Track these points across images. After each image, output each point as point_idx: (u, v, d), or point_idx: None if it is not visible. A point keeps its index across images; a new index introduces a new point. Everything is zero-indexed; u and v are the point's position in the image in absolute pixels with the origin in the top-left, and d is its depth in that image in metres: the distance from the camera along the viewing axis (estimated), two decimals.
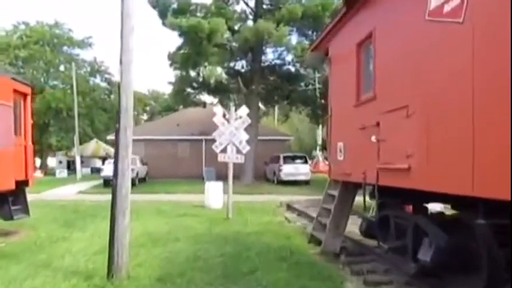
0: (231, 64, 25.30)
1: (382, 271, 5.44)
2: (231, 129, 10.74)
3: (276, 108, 40.85)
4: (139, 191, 17.79)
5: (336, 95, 6.88)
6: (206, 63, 24.09)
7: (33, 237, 7.83)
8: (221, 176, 16.83)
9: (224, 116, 11.05)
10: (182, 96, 27.08)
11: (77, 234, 8.27)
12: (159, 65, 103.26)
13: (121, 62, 5.15)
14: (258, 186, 21.26)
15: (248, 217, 10.62)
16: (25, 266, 5.73)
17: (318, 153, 37.57)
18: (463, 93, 3.30)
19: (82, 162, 32.89)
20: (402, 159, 4.19)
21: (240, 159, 11.07)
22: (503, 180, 2.78)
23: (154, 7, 22.39)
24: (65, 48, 40.09)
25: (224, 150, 10.94)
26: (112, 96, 41.22)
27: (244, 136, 11.00)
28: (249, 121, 11.18)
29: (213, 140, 11.04)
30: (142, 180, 24.59)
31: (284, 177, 22.79)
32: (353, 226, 7.25)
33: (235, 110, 11.13)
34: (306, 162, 24.21)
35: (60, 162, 36.93)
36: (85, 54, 50.93)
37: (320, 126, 34.53)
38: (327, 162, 26.90)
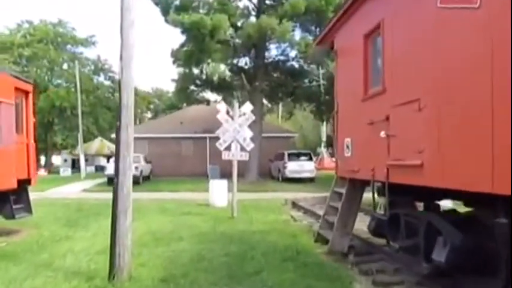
0: (234, 61, 25.13)
1: (392, 271, 5.28)
2: (235, 126, 10.57)
3: (280, 105, 40.70)
4: (143, 189, 17.76)
5: (342, 90, 6.67)
6: (209, 60, 23.99)
7: (35, 236, 7.76)
8: (225, 174, 16.72)
9: (228, 113, 10.88)
10: (186, 93, 27.01)
11: (80, 233, 8.19)
12: (163, 63, 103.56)
13: (121, 58, 4.99)
14: (262, 184, 21.14)
15: (253, 215, 10.48)
16: (26, 265, 5.63)
17: (322, 150, 37.36)
18: (481, 84, 3.11)
19: (86, 160, 32.97)
20: (414, 155, 4.00)
21: (244, 156, 10.91)
22: None
23: (156, 4, 22.29)
24: (68, 46, 40.19)
25: (228, 148, 10.78)
26: (116, 95, 41.21)
27: (248, 133, 10.84)
28: (253, 118, 11.01)
29: (217, 138, 10.88)
30: (147, 178, 24.56)
31: (289, 175, 22.67)
32: (360, 224, 7.08)
33: (239, 107, 10.97)
34: (310, 159, 24.05)
35: (65, 160, 37.04)
36: (89, 53, 50.95)
37: (324, 122, 34.30)
38: (332, 159, 26.90)
